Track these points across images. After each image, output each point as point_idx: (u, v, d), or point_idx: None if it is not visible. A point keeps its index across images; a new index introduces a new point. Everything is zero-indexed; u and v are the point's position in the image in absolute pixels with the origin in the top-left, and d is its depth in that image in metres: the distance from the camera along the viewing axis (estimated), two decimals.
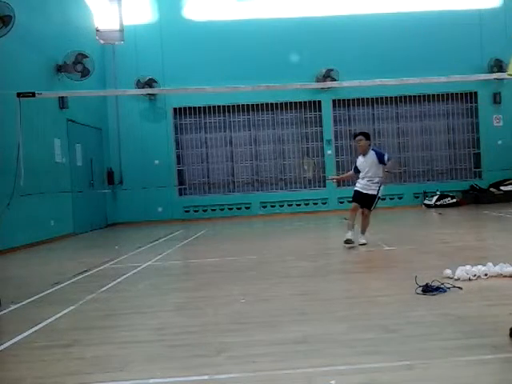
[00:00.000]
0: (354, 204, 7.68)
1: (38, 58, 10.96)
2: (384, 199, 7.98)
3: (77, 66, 11.83)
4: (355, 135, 7.95)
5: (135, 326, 3.94)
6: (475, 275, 4.77)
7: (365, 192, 7.57)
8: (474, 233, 9.40)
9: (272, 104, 15.27)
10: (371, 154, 7.58)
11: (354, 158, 8.31)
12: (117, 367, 3.03)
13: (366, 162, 7.61)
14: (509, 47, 14.08)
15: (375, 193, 7.55)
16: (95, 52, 13.38)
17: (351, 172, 8.14)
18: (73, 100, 11.99)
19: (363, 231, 7.65)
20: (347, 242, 7.34)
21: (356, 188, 7.76)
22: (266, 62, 14.58)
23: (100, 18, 14.05)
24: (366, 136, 7.75)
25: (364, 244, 7.47)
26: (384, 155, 7.57)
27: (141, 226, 13.81)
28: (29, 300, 5.00)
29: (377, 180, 7.53)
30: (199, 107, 15.19)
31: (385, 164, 7.52)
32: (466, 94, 15.33)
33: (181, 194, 15.30)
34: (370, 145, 7.73)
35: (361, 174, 7.68)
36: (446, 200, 14.37)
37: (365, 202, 7.59)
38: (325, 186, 15.27)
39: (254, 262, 6.72)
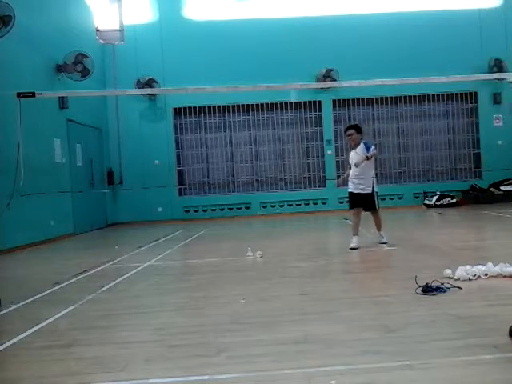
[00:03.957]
0: (354, 210, 7.44)
1: (38, 58, 10.96)
2: (384, 199, 7.86)
3: (77, 66, 11.82)
4: (346, 129, 7.61)
5: (135, 326, 3.94)
6: (475, 275, 4.77)
7: (358, 192, 7.32)
8: (474, 233, 9.40)
9: (272, 104, 15.28)
10: (361, 147, 7.28)
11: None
12: (117, 367, 3.03)
13: (354, 156, 7.34)
14: (509, 47, 14.12)
15: (370, 191, 7.28)
16: (95, 52, 13.38)
17: (350, 169, 7.63)
18: (73, 100, 11.99)
19: (379, 229, 7.53)
20: (353, 249, 7.23)
21: (349, 189, 7.48)
22: (265, 61, 14.59)
23: (100, 18, 14.06)
24: (357, 129, 7.46)
25: (385, 243, 7.38)
26: (370, 147, 7.22)
27: (141, 226, 13.81)
28: (29, 300, 5.00)
29: (367, 176, 7.27)
30: (199, 107, 15.19)
31: (367, 156, 7.11)
32: (465, 93, 15.33)
33: (181, 194, 15.30)
34: (361, 138, 7.44)
35: (351, 171, 7.42)
36: (446, 200, 14.37)
37: (365, 203, 7.35)
38: (325, 186, 15.27)
39: (253, 262, 6.73)
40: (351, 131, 7.43)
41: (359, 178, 7.33)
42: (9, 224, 8.96)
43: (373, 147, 7.28)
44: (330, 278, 5.62)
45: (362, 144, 7.35)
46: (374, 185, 7.37)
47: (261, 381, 2.75)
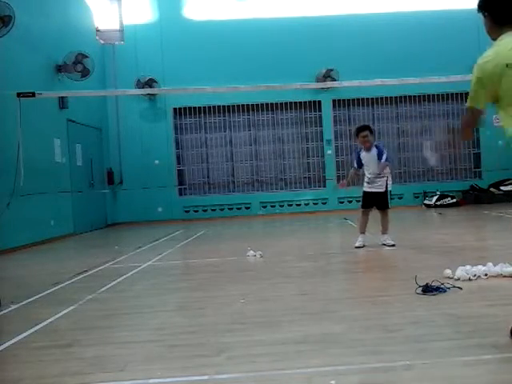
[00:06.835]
0: (363, 210, 7.36)
1: (37, 58, 10.96)
2: (392, 199, 7.66)
3: (77, 66, 11.83)
4: (359, 129, 7.32)
5: (135, 326, 3.94)
6: (475, 275, 4.77)
7: (372, 191, 7.21)
8: (474, 233, 9.40)
9: (272, 104, 15.28)
10: (373, 151, 7.18)
11: (353, 156, 8.05)
12: (117, 367, 3.03)
13: (368, 158, 7.22)
14: None
15: (383, 189, 7.16)
16: (95, 52, 13.38)
17: (353, 169, 7.57)
18: (73, 100, 12.00)
19: (385, 231, 7.30)
20: (358, 247, 7.19)
21: (364, 189, 7.32)
22: (265, 61, 14.60)
23: (100, 18, 14.08)
24: (371, 130, 7.29)
25: (393, 245, 7.14)
26: (383, 154, 7.12)
27: (141, 226, 13.81)
28: (29, 300, 5.00)
29: (380, 176, 7.17)
30: (199, 107, 15.20)
31: (379, 160, 7.09)
32: (466, 94, 15.16)
33: (181, 194, 15.30)
34: (373, 140, 7.32)
35: (366, 171, 7.28)
36: (446, 200, 14.37)
37: (377, 202, 7.24)
38: (325, 186, 15.28)
39: (254, 262, 6.73)
40: (367, 133, 7.18)
41: (373, 177, 7.20)
42: (9, 224, 8.96)
43: (385, 156, 7.14)
44: (330, 277, 5.62)
45: (374, 148, 7.21)
46: (389, 183, 7.27)
47: (261, 381, 2.75)
